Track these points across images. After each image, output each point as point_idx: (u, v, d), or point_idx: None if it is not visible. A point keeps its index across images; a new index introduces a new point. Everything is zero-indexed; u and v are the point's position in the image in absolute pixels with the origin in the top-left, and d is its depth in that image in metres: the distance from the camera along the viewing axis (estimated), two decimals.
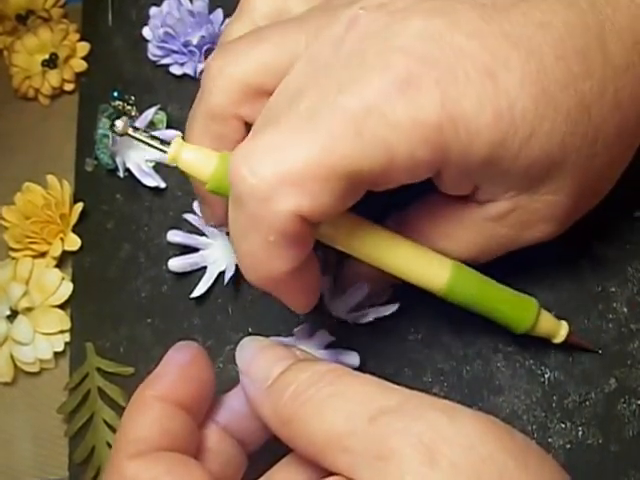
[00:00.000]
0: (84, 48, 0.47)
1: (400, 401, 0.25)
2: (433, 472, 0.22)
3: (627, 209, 0.38)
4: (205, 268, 0.40)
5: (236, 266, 0.39)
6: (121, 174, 0.42)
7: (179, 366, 0.29)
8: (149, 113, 0.43)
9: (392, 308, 0.37)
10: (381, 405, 0.25)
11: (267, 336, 0.36)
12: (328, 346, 0.35)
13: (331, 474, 0.25)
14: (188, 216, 0.40)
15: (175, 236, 0.41)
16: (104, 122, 0.44)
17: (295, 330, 0.35)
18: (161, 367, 0.29)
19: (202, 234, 0.41)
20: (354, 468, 0.24)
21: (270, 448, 0.30)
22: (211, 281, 0.40)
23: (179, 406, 0.28)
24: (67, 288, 0.42)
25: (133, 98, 0.45)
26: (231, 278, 0.39)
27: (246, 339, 0.31)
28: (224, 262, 0.40)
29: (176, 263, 0.41)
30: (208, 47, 0.44)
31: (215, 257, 0.40)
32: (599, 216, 0.38)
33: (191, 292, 0.40)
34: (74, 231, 0.43)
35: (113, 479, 0.27)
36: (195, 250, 0.41)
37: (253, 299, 0.40)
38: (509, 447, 0.23)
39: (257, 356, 0.30)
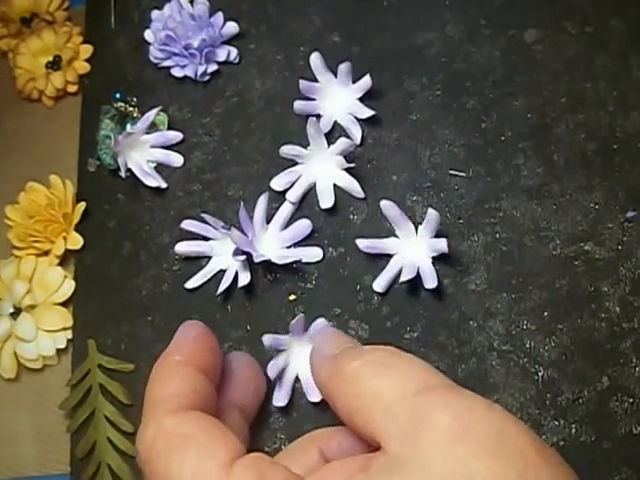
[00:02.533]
0: (87, 50, 0.48)
1: (449, 384, 0.28)
2: (460, 446, 0.24)
3: (619, 210, 0.39)
4: (209, 260, 0.41)
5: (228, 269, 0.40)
6: (123, 174, 0.43)
7: (193, 338, 0.33)
8: (150, 114, 0.43)
9: (317, 256, 0.40)
10: (428, 381, 0.27)
11: (264, 333, 0.37)
12: None
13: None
14: (185, 223, 0.41)
15: (190, 226, 0.41)
16: (106, 123, 0.44)
17: (292, 323, 0.36)
18: (177, 340, 0.33)
19: (204, 238, 0.41)
20: (388, 433, 0.26)
21: None
22: (209, 276, 0.41)
23: (200, 370, 0.32)
24: (69, 286, 0.43)
25: (135, 100, 0.45)
26: (232, 280, 0.40)
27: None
28: (228, 261, 0.41)
29: (183, 247, 0.41)
30: (208, 50, 0.45)
31: (222, 252, 0.41)
32: (592, 217, 0.39)
33: (191, 291, 0.41)
34: (76, 230, 0.44)
35: (148, 432, 0.29)
36: (205, 240, 0.41)
37: (251, 297, 0.41)
38: (534, 442, 0.25)
39: (331, 333, 0.35)
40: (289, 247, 0.41)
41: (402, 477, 0.24)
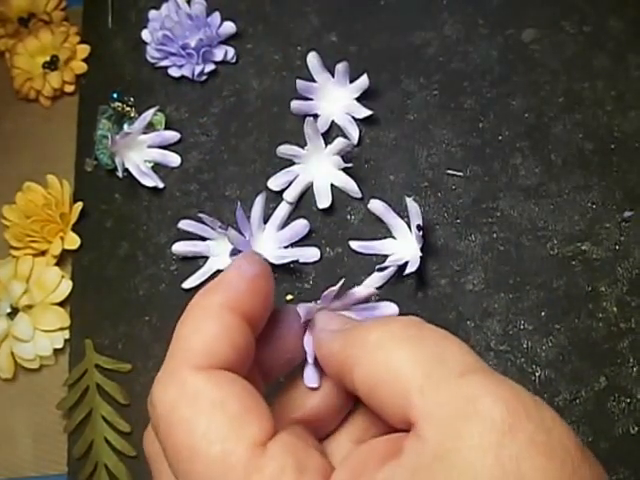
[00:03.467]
0: (84, 50, 0.48)
1: (484, 365, 0.24)
2: (512, 443, 0.22)
3: (617, 210, 0.39)
4: (206, 260, 0.41)
5: None
6: (120, 174, 0.43)
7: (248, 278, 0.26)
8: (148, 114, 0.43)
9: (315, 256, 0.40)
10: (471, 363, 0.24)
11: None
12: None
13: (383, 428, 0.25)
14: (183, 223, 0.41)
15: (187, 226, 0.41)
16: (104, 123, 0.44)
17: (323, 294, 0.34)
18: (227, 276, 0.26)
19: (201, 238, 0.41)
20: (425, 416, 0.23)
21: None
22: (206, 276, 0.41)
23: (246, 321, 0.26)
24: (67, 286, 0.43)
25: (132, 99, 0.45)
26: None
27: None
28: (225, 260, 0.41)
29: (180, 247, 0.41)
30: (206, 49, 0.45)
31: (219, 252, 0.41)
32: (589, 217, 0.39)
33: (189, 291, 0.41)
34: (74, 230, 0.44)
35: (170, 389, 0.24)
36: (202, 239, 0.41)
37: None
38: (578, 443, 0.23)
39: (333, 315, 0.29)
40: (286, 247, 0.41)
41: (448, 472, 0.22)
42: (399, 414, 0.24)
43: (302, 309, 0.30)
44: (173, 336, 0.25)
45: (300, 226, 0.40)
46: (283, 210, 0.41)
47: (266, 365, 0.29)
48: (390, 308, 0.35)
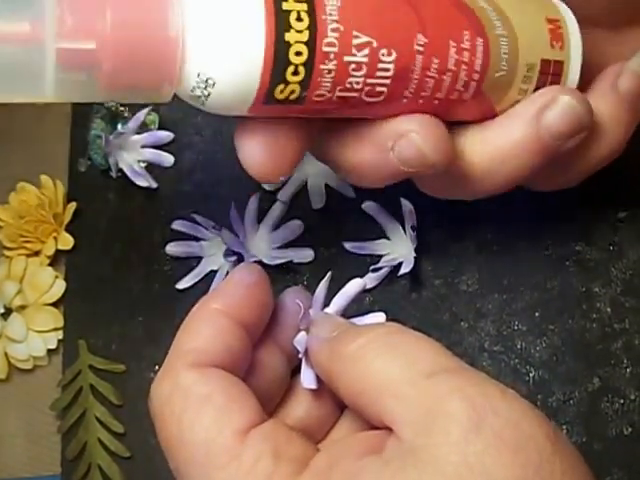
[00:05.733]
0: None
1: (459, 365, 0.25)
2: (477, 439, 0.23)
3: (611, 210, 0.39)
4: (200, 260, 0.41)
5: (220, 271, 0.40)
6: (114, 174, 0.43)
7: (245, 286, 0.29)
8: (141, 114, 0.43)
9: (309, 257, 0.39)
10: (441, 363, 0.25)
11: None
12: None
13: (372, 428, 0.26)
14: (176, 224, 0.41)
15: (181, 226, 0.41)
16: (97, 123, 0.44)
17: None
18: (226, 284, 0.29)
19: (195, 238, 0.41)
20: (399, 418, 0.24)
21: None
22: (200, 276, 0.41)
23: (241, 325, 0.28)
24: (60, 286, 0.43)
25: None
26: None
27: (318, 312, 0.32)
28: (219, 261, 0.40)
29: (174, 248, 0.41)
30: None
31: (213, 252, 0.41)
32: (584, 217, 0.39)
33: (183, 291, 0.41)
34: (67, 230, 0.43)
35: (164, 385, 0.27)
36: (196, 240, 0.41)
37: None
38: (549, 433, 0.23)
39: (326, 317, 0.30)
40: (280, 247, 0.41)
41: (416, 469, 0.23)
42: (379, 420, 0.25)
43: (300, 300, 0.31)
44: (174, 341, 0.28)
45: (294, 227, 0.40)
46: (277, 210, 0.41)
47: (286, 346, 0.30)
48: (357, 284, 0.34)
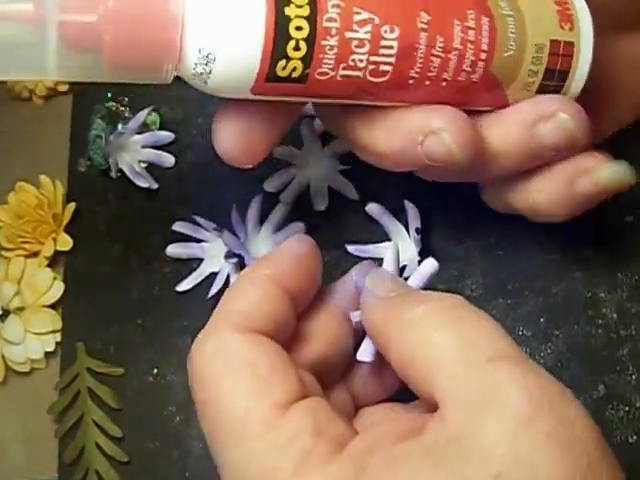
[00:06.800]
0: None
1: (520, 355, 0.25)
2: (529, 433, 0.22)
3: (618, 215, 0.38)
4: (200, 262, 0.41)
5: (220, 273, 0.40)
6: (114, 174, 0.42)
7: (296, 256, 0.29)
8: (142, 114, 0.43)
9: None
10: (502, 349, 0.24)
11: None
12: None
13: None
14: (177, 225, 0.41)
15: (182, 227, 0.41)
16: (97, 123, 0.44)
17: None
18: (277, 253, 0.29)
19: (196, 240, 0.41)
20: (450, 399, 0.23)
21: None
22: (200, 278, 0.40)
23: (289, 295, 0.28)
24: (59, 288, 0.42)
25: (126, 99, 0.45)
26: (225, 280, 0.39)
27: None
28: (220, 263, 0.40)
29: (175, 249, 0.41)
30: None
31: (213, 254, 0.40)
32: (590, 221, 0.38)
33: (183, 294, 0.40)
34: (66, 231, 0.43)
35: (207, 345, 0.26)
36: (197, 241, 0.41)
37: None
38: (600, 440, 0.23)
39: (385, 274, 0.30)
40: None
41: (461, 457, 0.22)
42: (428, 394, 0.25)
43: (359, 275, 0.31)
44: (220, 301, 0.28)
45: (296, 229, 0.40)
46: (279, 212, 0.40)
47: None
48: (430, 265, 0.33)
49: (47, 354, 0.42)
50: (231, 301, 0.28)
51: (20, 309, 0.42)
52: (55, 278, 0.42)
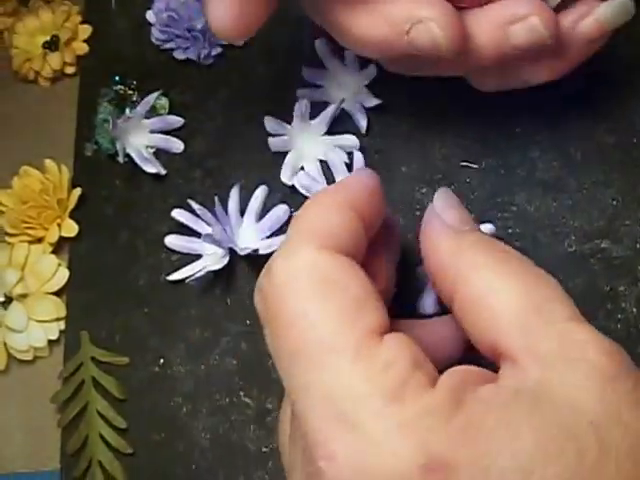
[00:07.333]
0: (86, 31, 0.46)
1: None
2: (613, 392, 0.23)
3: (638, 207, 0.37)
4: (200, 257, 0.40)
5: (227, 263, 0.39)
6: (121, 159, 0.41)
7: (367, 185, 0.29)
8: (151, 98, 0.42)
9: None
10: (579, 315, 0.25)
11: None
12: None
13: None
14: (176, 212, 0.40)
15: (179, 215, 0.40)
16: (105, 106, 0.43)
17: None
18: (350, 180, 0.29)
19: (196, 233, 0.40)
20: (526, 351, 0.24)
21: None
22: (194, 271, 0.39)
23: (362, 221, 0.27)
24: (63, 275, 0.41)
25: (135, 83, 0.44)
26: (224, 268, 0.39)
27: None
28: (219, 260, 0.39)
29: (174, 240, 0.40)
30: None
31: (213, 250, 0.39)
32: (609, 214, 0.37)
33: (191, 282, 0.39)
34: (71, 217, 0.42)
35: (299, 261, 0.25)
36: (198, 236, 0.40)
37: (251, 291, 0.39)
38: None
39: (457, 201, 0.31)
40: (269, 237, 0.39)
41: (552, 404, 0.22)
42: (489, 342, 0.25)
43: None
44: (296, 220, 0.27)
45: (280, 212, 0.39)
46: (258, 199, 0.40)
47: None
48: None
49: (50, 342, 0.41)
50: (312, 221, 0.26)
51: (23, 296, 0.41)
52: (59, 265, 0.42)
